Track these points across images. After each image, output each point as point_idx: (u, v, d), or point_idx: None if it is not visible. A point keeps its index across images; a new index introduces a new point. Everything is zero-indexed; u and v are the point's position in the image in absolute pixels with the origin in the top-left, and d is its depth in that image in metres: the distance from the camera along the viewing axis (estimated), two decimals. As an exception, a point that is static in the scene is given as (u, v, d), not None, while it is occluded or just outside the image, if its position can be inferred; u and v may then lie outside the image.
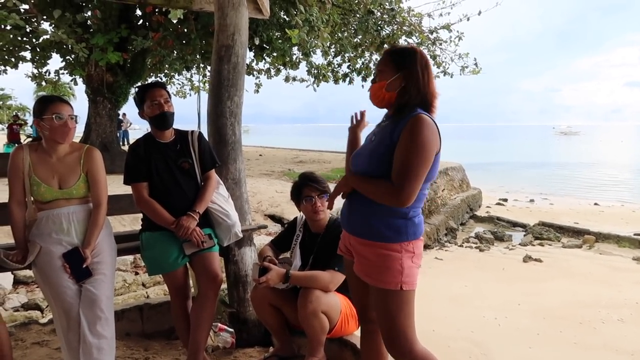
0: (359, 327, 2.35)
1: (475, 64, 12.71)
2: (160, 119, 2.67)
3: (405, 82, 1.88)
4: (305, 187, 2.73)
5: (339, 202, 2.14)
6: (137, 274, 5.45)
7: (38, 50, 11.04)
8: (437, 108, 1.92)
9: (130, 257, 5.50)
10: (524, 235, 10.74)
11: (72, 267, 2.32)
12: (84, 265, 2.34)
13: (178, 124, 2.83)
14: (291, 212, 7.19)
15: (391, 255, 1.87)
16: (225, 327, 3.19)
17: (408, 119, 1.82)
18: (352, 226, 2.01)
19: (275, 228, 7.02)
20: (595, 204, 15.25)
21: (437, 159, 1.85)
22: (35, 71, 11.76)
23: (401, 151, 1.79)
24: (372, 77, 2.01)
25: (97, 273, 2.37)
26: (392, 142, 1.84)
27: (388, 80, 1.90)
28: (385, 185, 1.81)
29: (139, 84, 12.83)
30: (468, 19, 11.77)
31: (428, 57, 1.98)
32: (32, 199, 2.45)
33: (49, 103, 2.39)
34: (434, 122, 1.84)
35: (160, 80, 14.02)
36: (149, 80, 13.48)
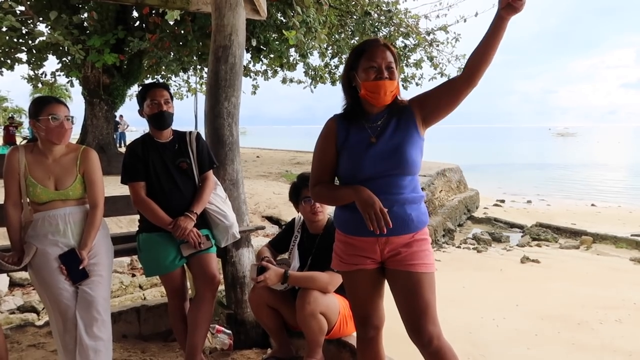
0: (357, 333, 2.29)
1: (472, 65, 12.72)
2: (158, 117, 2.66)
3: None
4: (304, 188, 2.72)
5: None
6: (134, 275, 5.43)
7: (34, 52, 11.01)
8: None
9: (127, 259, 5.48)
10: (522, 237, 10.76)
11: (69, 268, 2.30)
12: (81, 267, 2.32)
13: (175, 126, 2.83)
14: (289, 213, 7.18)
15: (427, 239, 1.98)
16: (223, 328, 3.17)
17: (406, 106, 1.97)
18: (389, 227, 1.88)
19: (273, 229, 7.00)
20: (592, 204, 15.29)
21: None
22: (31, 73, 11.71)
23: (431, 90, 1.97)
24: (379, 75, 1.87)
25: (94, 274, 2.36)
26: (418, 131, 1.95)
27: (397, 76, 1.94)
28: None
29: (136, 85, 12.84)
30: (465, 21, 11.79)
31: None
32: (28, 200, 2.43)
33: (45, 104, 2.37)
34: None
35: (158, 81, 14.00)
36: (146, 82, 13.45)
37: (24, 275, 4.80)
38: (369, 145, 1.92)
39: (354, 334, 2.57)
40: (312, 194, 2.09)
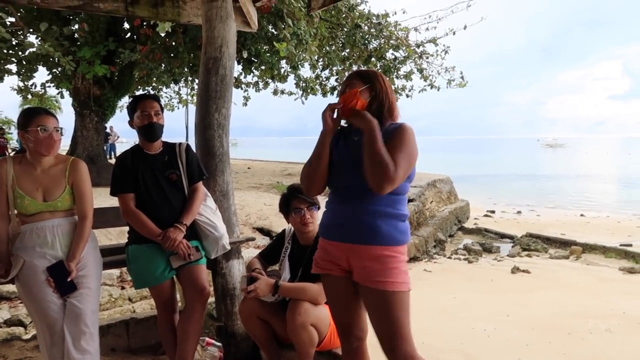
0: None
1: (462, 77, 12.86)
2: (148, 129, 2.66)
3: (374, 92, 2.03)
4: (294, 199, 2.73)
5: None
6: (123, 288, 5.37)
7: (24, 63, 10.95)
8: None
9: (116, 271, 5.43)
10: (512, 247, 10.79)
11: (57, 281, 2.28)
12: (69, 279, 2.30)
13: (166, 137, 2.83)
14: (279, 224, 7.16)
15: (399, 257, 1.96)
16: (213, 341, 3.15)
17: (393, 128, 1.98)
18: (357, 234, 1.97)
19: (264, 241, 6.98)
20: (581, 215, 15.42)
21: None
22: (21, 84, 11.65)
23: (394, 150, 1.88)
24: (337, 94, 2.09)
25: (82, 287, 2.34)
26: None
27: (360, 88, 2.01)
28: (391, 163, 1.85)
29: (127, 96, 12.82)
30: (454, 33, 11.93)
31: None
32: (15, 212, 2.41)
33: (34, 115, 2.36)
34: None
35: (149, 92, 13.96)
36: (137, 93, 13.41)
37: (11, 288, 4.73)
38: (348, 155, 2.03)
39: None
40: (301, 178, 2.11)
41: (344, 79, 2.12)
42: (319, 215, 2.75)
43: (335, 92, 13.39)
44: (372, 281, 1.94)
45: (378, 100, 2.02)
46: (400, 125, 2.00)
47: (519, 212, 16.18)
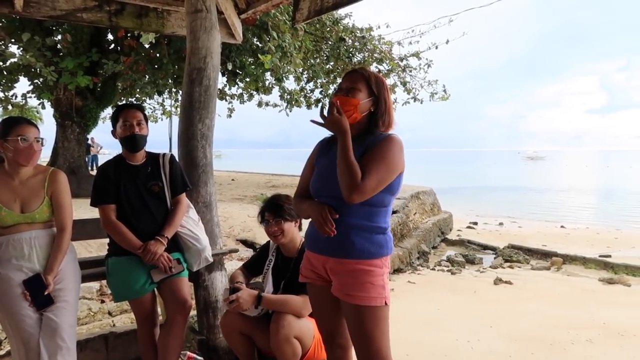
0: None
1: (444, 91, 13.05)
2: (130, 140, 2.63)
3: (375, 107, 2.00)
4: (265, 211, 2.76)
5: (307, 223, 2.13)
6: (103, 302, 5.26)
7: (5, 73, 10.79)
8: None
9: (95, 285, 5.31)
10: (494, 258, 10.87)
11: (33, 294, 2.23)
12: (46, 293, 2.25)
13: (149, 148, 2.80)
14: (263, 236, 7.07)
15: (375, 271, 1.93)
16: (195, 355, 3.10)
17: (380, 139, 1.95)
18: (331, 247, 1.98)
19: (247, 253, 6.91)
20: (562, 226, 15.64)
21: (400, 177, 1.98)
22: (2, 95, 11.47)
23: (371, 159, 1.88)
24: (336, 89, 2.05)
25: (59, 300, 2.29)
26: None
27: (362, 100, 1.97)
28: (358, 172, 1.84)
29: (110, 107, 12.71)
30: (437, 48, 12.11)
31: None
32: (-9, 223, 2.36)
33: (15, 124, 2.33)
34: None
35: (132, 102, 13.84)
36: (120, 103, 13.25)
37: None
38: (328, 165, 2.01)
39: (328, 357, 2.55)
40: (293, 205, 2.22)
41: (348, 72, 2.06)
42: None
43: (320, 104, 13.45)
44: (345, 295, 1.95)
45: (378, 111, 2.00)
46: (387, 136, 1.98)
47: (501, 224, 16.34)
